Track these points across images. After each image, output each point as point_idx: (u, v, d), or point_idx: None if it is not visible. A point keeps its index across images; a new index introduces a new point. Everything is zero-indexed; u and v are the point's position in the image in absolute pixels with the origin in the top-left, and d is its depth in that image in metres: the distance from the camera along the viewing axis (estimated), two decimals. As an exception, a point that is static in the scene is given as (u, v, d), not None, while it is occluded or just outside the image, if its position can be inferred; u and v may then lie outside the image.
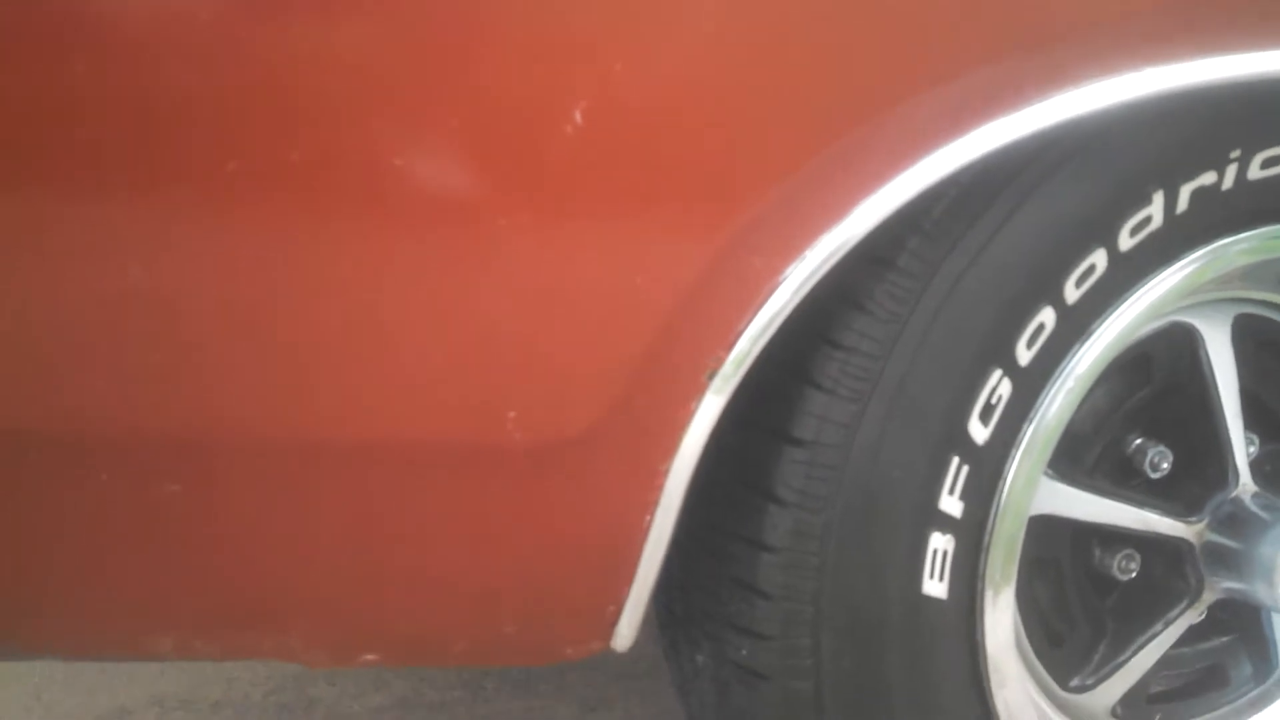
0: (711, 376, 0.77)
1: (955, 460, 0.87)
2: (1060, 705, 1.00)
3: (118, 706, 1.46)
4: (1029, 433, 0.89)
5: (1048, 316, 0.87)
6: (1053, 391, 0.90)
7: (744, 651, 0.89)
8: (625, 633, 0.85)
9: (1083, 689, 1.01)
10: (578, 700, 1.47)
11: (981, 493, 0.88)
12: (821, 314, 0.83)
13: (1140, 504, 0.97)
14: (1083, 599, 1.01)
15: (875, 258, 0.83)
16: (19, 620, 0.75)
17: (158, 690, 1.50)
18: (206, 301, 0.66)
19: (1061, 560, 1.00)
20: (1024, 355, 0.87)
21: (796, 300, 0.77)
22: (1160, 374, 1.00)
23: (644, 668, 1.54)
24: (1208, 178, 0.89)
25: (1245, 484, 0.99)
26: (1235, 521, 0.98)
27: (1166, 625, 1.01)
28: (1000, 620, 0.92)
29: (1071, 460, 0.97)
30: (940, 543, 0.88)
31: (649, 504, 0.80)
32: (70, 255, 0.63)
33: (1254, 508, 0.99)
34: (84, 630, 0.77)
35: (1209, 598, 1.01)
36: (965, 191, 0.82)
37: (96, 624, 0.77)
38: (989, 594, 0.91)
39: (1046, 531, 0.97)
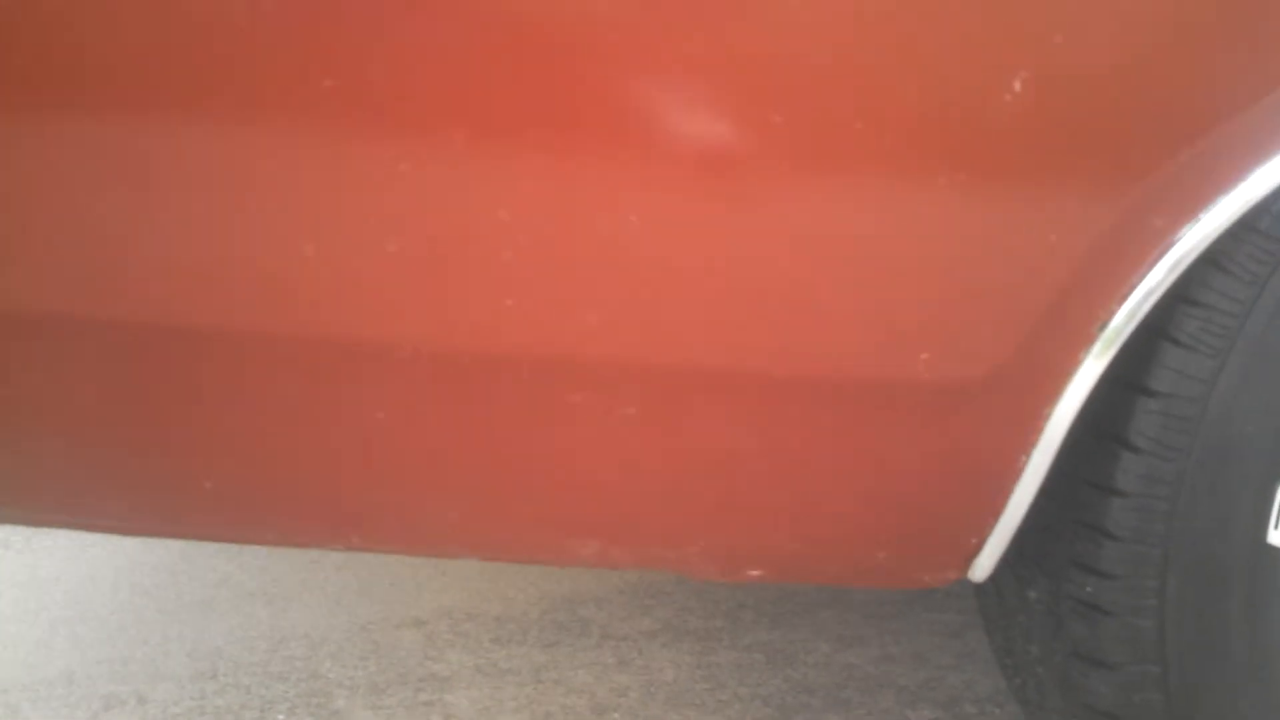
0: (1102, 329, 0.83)
1: (1307, 415, 0.91)
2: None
3: (412, 616, 1.59)
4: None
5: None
6: None
7: (1088, 589, 0.95)
8: (985, 564, 0.92)
9: None
10: (834, 636, 1.55)
11: (1331, 446, 0.92)
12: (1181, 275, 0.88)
13: None
14: None
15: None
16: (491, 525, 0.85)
17: (444, 603, 1.63)
18: (690, 246, 0.75)
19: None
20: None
21: (1190, 260, 0.82)
22: None
23: (893, 609, 1.62)
24: None
25: None
26: None
27: None
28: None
29: None
30: (1288, 495, 0.92)
31: (1028, 445, 0.86)
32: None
33: None
34: (526, 535, 0.87)
35: None
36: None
37: (539, 529, 0.87)
38: (1331, 546, 0.95)
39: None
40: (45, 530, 1.80)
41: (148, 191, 0.70)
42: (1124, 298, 0.82)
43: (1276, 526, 0.93)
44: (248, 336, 0.73)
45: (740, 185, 0.75)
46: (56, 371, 0.74)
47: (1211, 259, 0.89)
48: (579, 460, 0.82)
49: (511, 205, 0.72)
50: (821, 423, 0.84)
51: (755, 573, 0.92)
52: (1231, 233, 0.88)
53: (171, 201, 0.70)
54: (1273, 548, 0.94)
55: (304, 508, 0.82)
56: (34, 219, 0.71)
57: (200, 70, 0.69)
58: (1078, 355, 0.84)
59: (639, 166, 0.72)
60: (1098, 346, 0.84)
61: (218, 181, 0.71)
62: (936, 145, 0.76)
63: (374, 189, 0.70)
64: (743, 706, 1.39)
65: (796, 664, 1.48)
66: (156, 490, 0.81)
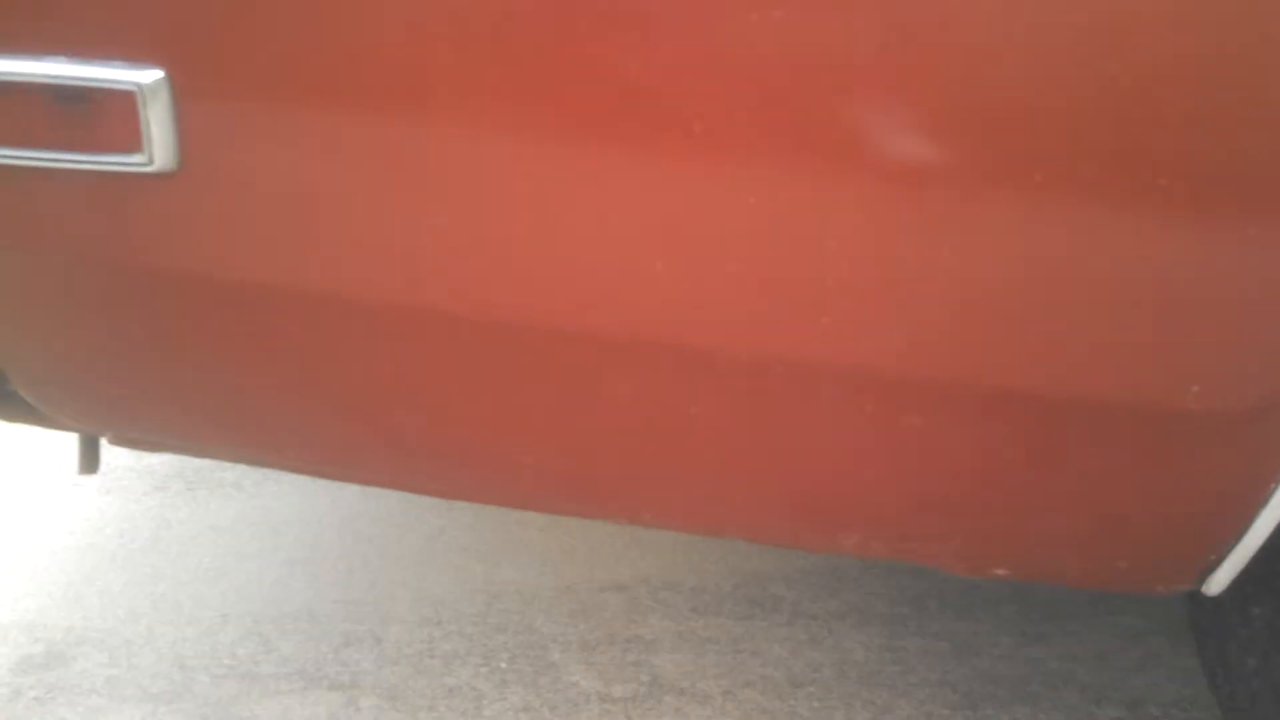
0: (1364, 365, 0.88)
1: None
2: None
3: (612, 580, 1.70)
4: None
5: None
6: None
7: (1316, 611, 1.00)
8: (1220, 580, 0.98)
9: None
10: (1017, 630, 1.61)
11: None
12: None
13: None
14: None
15: None
16: (747, 510, 0.94)
17: (642, 571, 1.74)
18: (983, 271, 0.82)
19: None
20: None
21: None
22: None
23: (1074, 608, 1.67)
24: None
25: None
26: None
27: None
28: None
29: None
30: None
31: (1277, 472, 0.91)
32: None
33: None
34: (800, 525, 0.96)
35: None
36: None
37: (813, 520, 0.95)
38: None
39: None
40: (273, 475, 1.97)
41: (518, 204, 0.80)
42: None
43: None
44: (597, 338, 0.83)
45: (1037, 214, 0.81)
46: (418, 361, 0.85)
47: None
48: (861, 461, 0.91)
49: (839, 235, 0.80)
50: (1086, 441, 0.90)
51: (1001, 571, 1.00)
52: None
53: (548, 215, 0.79)
54: None
55: (613, 487, 0.92)
56: (404, 219, 0.81)
57: (570, 92, 0.78)
58: (1338, 388, 0.89)
59: (944, 195, 0.79)
60: (1359, 382, 0.88)
61: (578, 198, 0.80)
62: (1224, 184, 0.81)
63: (726, 214, 0.78)
64: (931, 690, 1.46)
65: (982, 655, 1.55)
66: (481, 464, 0.92)
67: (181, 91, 0.74)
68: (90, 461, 1.13)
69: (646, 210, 0.79)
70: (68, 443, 1.20)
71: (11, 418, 0.98)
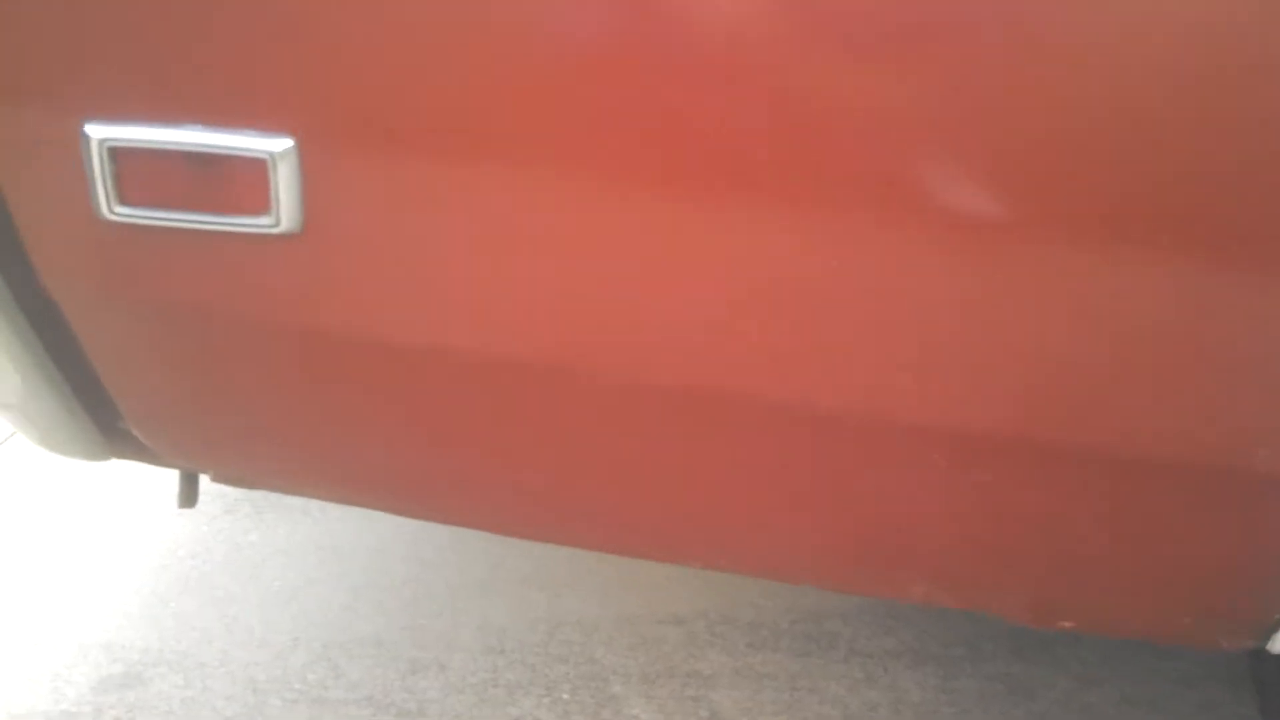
0: None
1: None
2: None
3: (672, 613, 1.74)
4: None
5: None
6: None
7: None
8: (1284, 637, 1.00)
9: None
10: (1072, 674, 1.63)
11: None
12: None
13: None
14: None
15: None
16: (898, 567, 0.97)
17: (700, 605, 1.77)
18: (1063, 335, 0.85)
19: None
20: None
21: None
22: None
23: (1128, 652, 1.68)
24: None
25: None
26: None
27: None
28: None
29: None
30: None
31: (1345, 534, 0.94)
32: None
33: None
34: (874, 574, 0.99)
35: None
36: None
37: (885, 571, 0.99)
38: None
39: None
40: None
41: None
42: None
43: None
44: (705, 395, 0.86)
45: (1115, 278, 0.84)
46: (523, 415, 0.89)
47: None
48: (933, 516, 0.94)
49: (921, 298, 0.83)
50: (1155, 499, 0.93)
51: (1067, 624, 1.02)
52: None
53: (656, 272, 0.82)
54: None
55: (701, 537, 0.96)
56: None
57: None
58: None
59: (1024, 255, 0.82)
60: None
61: (714, 262, 0.82)
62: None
63: (824, 277, 0.81)
64: (987, 733, 1.49)
65: (1038, 698, 1.57)
66: (584, 514, 0.97)
67: (308, 159, 0.79)
68: (190, 495, 1.18)
69: (761, 274, 0.82)
70: (141, 468, 1.26)
71: (121, 454, 1.04)
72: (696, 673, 1.59)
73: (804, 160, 0.78)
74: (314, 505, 2.03)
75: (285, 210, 0.80)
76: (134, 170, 0.80)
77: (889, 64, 0.76)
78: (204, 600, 1.74)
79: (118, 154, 0.80)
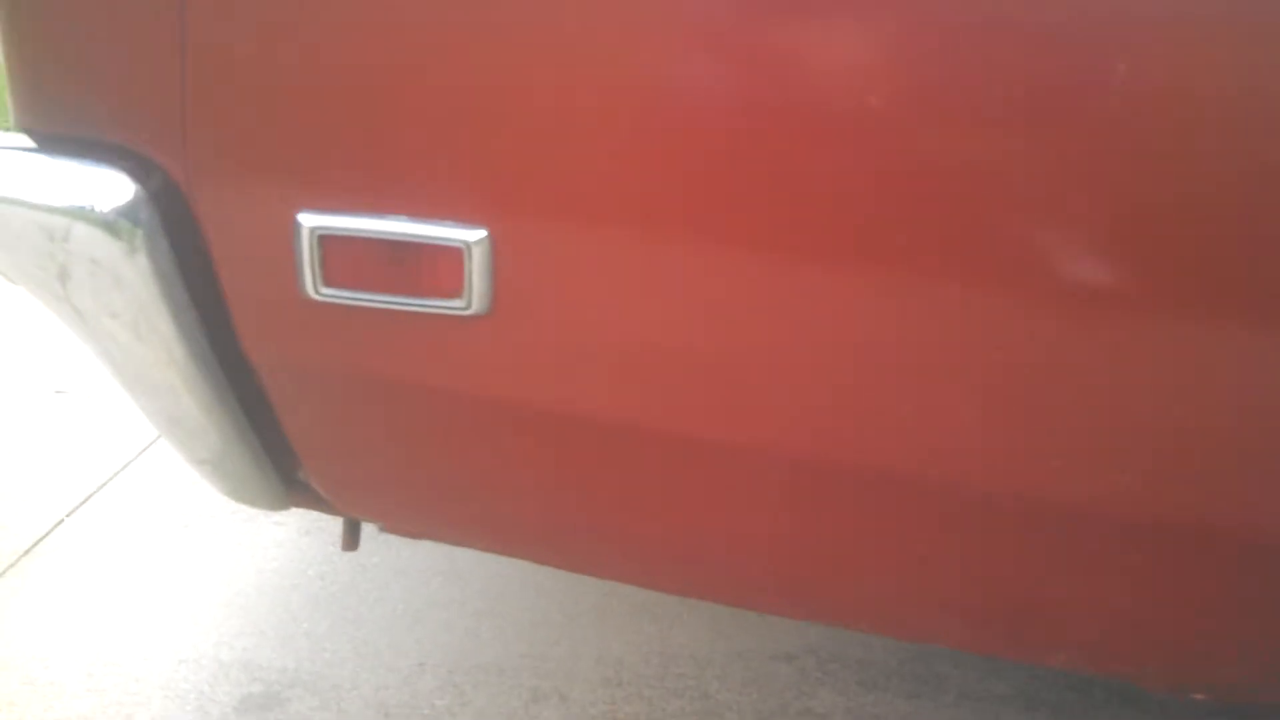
0: None
1: None
2: None
3: (783, 650, 1.78)
4: None
5: None
6: None
7: None
8: None
9: None
10: (1184, 724, 1.64)
11: None
12: None
13: None
14: None
15: None
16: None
17: (809, 641, 1.80)
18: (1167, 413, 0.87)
19: None
20: None
21: None
22: None
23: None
24: None
25: None
26: None
27: None
28: None
29: None
30: None
31: None
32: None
33: None
34: (1017, 642, 1.03)
35: None
36: None
37: (1027, 641, 1.02)
38: None
39: None
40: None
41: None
42: None
43: None
44: (889, 475, 0.90)
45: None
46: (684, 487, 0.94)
47: None
48: (1077, 590, 0.97)
49: (1079, 380, 0.86)
50: (1238, 571, 0.95)
51: (1200, 696, 1.05)
52: None
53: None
54: None
55: (848, 601, 1.01)
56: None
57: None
58: None
59: (1201, 343, 0.83)
60: None
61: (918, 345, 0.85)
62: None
63: (982, 358, 0.85)
64: (1100, 782, 1.50)
65: (1150, 748, 1.58)
66: (730, 573, 1.02)
67: (499, 248, 0.85)
68: (352, 539, 1.25)
69: (966, 361, 0.85)
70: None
71: (300, 504, 1.11)
72: (809, 711, 1.63)
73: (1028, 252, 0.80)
74: (432, 529, 2.10)
75: (477, 293, 0.86)
76: (339, 255, 0.87)
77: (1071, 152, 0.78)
78: (334, 621, 1.82)
79: (325, 240, 0.87)
